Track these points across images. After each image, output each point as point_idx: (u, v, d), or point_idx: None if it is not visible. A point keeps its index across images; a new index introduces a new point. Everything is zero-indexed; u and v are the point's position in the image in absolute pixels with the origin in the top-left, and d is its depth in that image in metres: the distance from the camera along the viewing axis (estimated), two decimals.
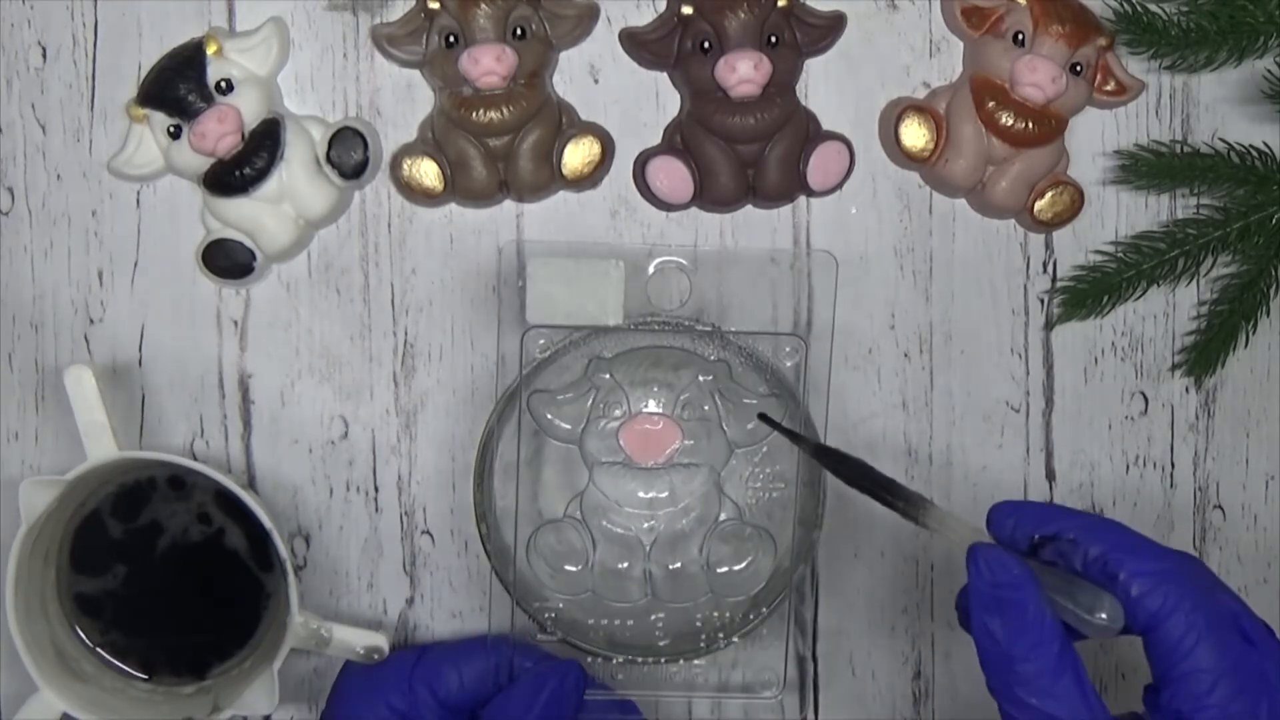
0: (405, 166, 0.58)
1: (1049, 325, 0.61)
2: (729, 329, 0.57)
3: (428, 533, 0.61)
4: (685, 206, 0.59)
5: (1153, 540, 0.49)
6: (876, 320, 0.61)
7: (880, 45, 0.60)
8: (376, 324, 0.60)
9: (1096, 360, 0.62)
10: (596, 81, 0.59)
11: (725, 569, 0.58)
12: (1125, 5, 0.58)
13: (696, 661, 0.58)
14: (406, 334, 0.60)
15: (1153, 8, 0.58)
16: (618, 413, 0.57)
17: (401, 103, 0.59)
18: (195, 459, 0.56)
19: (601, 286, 0.55)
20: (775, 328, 0.59)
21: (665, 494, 0.58)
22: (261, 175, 0.57)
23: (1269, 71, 0.58)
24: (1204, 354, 0.61)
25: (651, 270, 0.57)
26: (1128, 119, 0.61)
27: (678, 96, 0.59)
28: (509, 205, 0.60)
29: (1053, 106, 0.58)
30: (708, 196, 0.59)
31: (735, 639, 0.57)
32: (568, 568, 0.57)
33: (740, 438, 0.57)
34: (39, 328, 0.59)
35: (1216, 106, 0.61)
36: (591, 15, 0.58)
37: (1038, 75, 0.57)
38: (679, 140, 0.59)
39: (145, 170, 0.58)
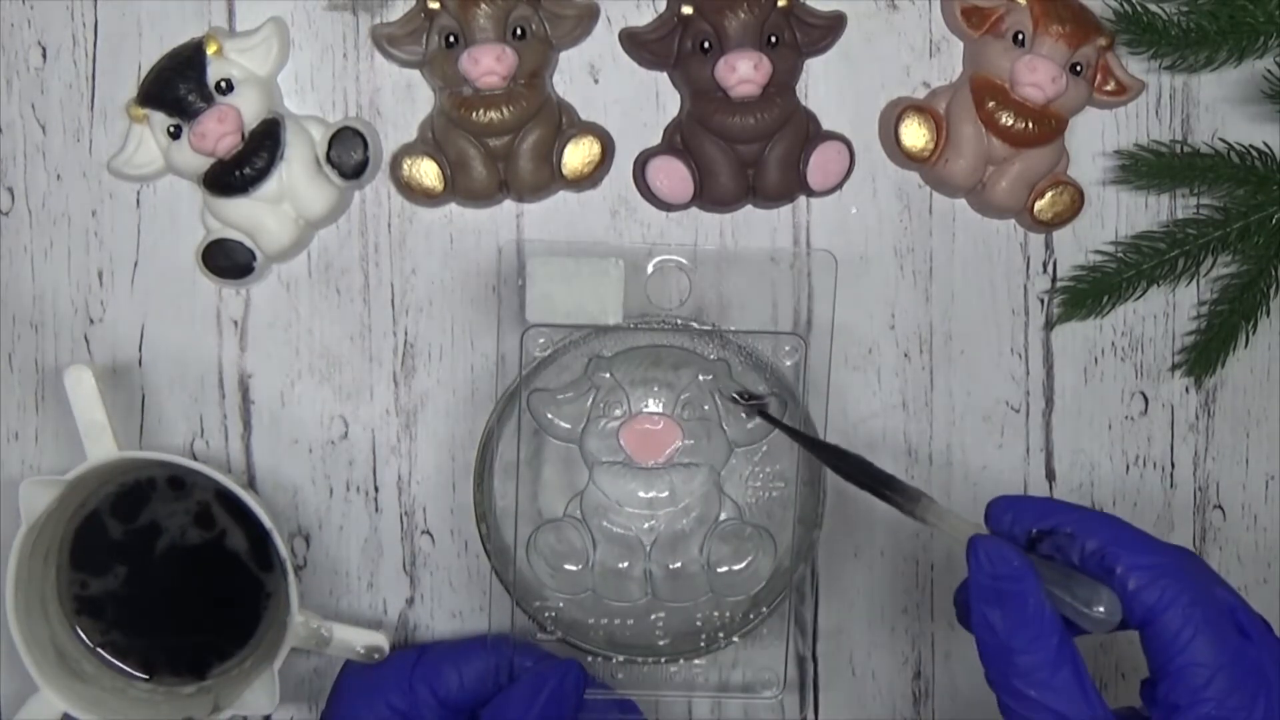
0: (405, 166, 0.58)
1: (1049, 325, 0.61)
2: (728, 328, 0.57)
3: (428, 533, 0.61)
4: (685, 206, 0.59)
5: (1150, 534, 0.49)
6: (876, 320, 0.61)
7: (880, 45, 0.60)
8: (376, 324, 0.60)
9: (1096, 360, 0.62)
10: (596, 81, 0.59)
11: (725, 568, 0.58)
12: (1125, 5, 0.58)
13: (696, 661, 0.58)
14: (406, 334, 0.60)
15: (1153, 8, 0.58)
16: (618, 412, 0.57)
17: (401, 103, 0.59)
18: (195, 459, 0.56)
19: (601, 285, 0.55)
20: (775, 327, 0.59)
21: (665, 493, 0.58)
22: (261, 175, 0.57)
23: (1269, 71, 0.58)
24: (1204, 354, 0.61)
25: (651, 269, 0.57)
26: (1128, 119, 0.61)
27: (678, 96, 0.59)
28: (509, 205, 0.60)
29: (1053, 106, 0.58)
30: (708, 196, 0.59)
31: (735, 639, 0.57)
32: (568, 567, 0.57)
33: (740, 437, 0.57)
34: (39, 328, 0.59)
35: (1216, 106, 0.61)
36: (591, 15, 0.58)
37: (1038, 75, 0.57)
38: (679, 140, 0.59)
39: (145, 170, 0.58)
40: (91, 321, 0.59)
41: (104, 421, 0.55)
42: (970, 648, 0.54)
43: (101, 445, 0.55)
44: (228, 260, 0.58)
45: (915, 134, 0.59)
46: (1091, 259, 0.61)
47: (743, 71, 0.56)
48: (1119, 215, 0.61)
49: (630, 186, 0.60)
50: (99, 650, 0.58)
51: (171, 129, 0.57)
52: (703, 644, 0.57)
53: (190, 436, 0.60)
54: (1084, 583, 0.47)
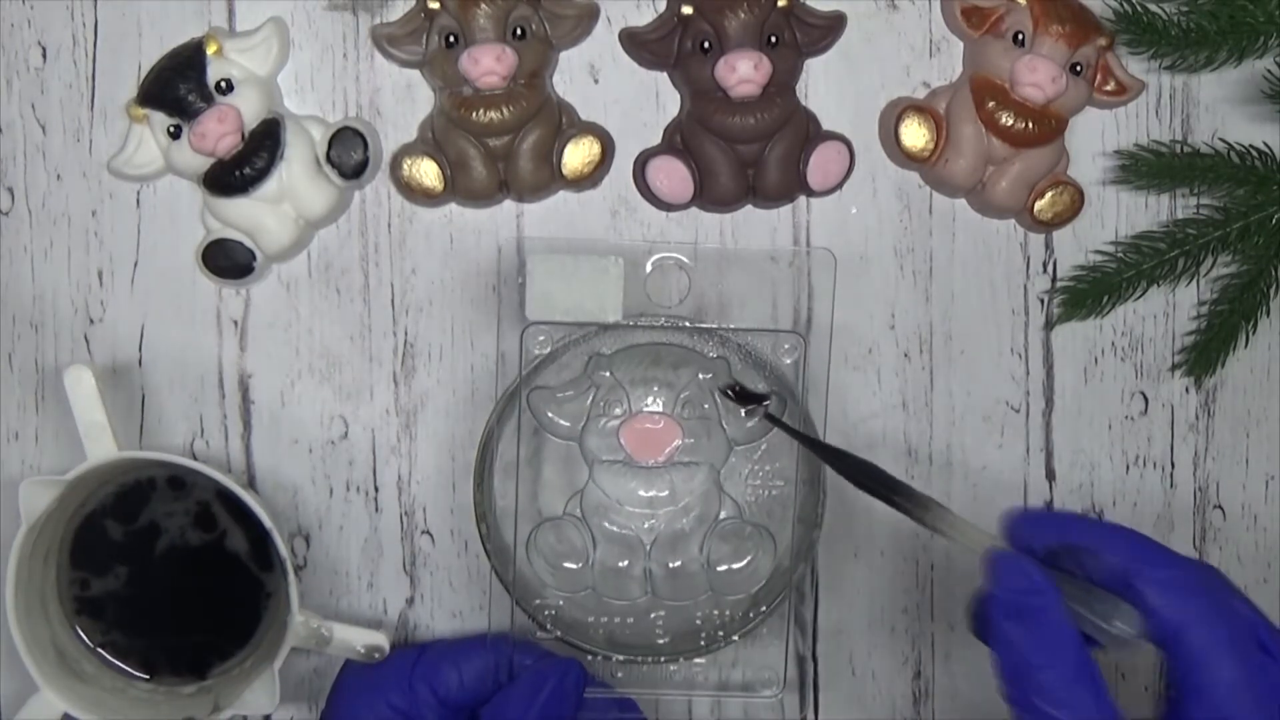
0: (405, 166, 0.58)
1: (1049, 325, 0.61)
2: (727, 326, 0.57)
3: (428, 533, 0.61)
4: (685, 206, 0.59)
5: (1171, 550, 0.49)
6: (876, 320, 0.61)
7: (880, 45, 0.60)
8: (376, 324, 0.60)
9: (1096, 360, 0.62)
10: (596, 81, 0.59)
11: (725, 567, 0.58)
12: (1125, 5, 0.58)
13: (696, 660, 0.58)
14: (406, 334, 0.60)
15: (1153, 8, 0.58)
16: (618, 411, 0.57)
17: (401, 103, 0.59)
18: (195, 459, 0.56)
19: (601, 283, 0.55)
20: (775, 326, 0.59)
21: (665, 492, 0.58)
22: (261, 175, 0.57)
23: (1269, 71, 0.58)
24: (1204, 354, 0.61)
25: (650, 267, 0.57)
26: (1128, 119, 0.61)
27: (678, 96, 0.59)
28: (509, 205, 0.60)
29: (1053, 106, 0.58)
30: (708, 196, 0.59)
31: (735, 638, 0.57)
32: (567, 566, 0.57)
33: (740, 435, 0.57)
34: (39, 328, 0.59)
35: (1216, 106, 0.61)
36: (591, 15, 0.58)
37: (1038, 75, 0.57)
38: (679, 140, 0.59)
39: (145, 170, 0.58)
40: (91, 321, 0.59)
41: (104, 421, 0.55)
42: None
43: (101, 445, 0.55)
44: (228, 260, 0.58)
45: (915, 134, 0.59)
46: (1091, 259, 0.61)
47: (743, 71, 0.57)
48: (1119, 215, 0.61)
49: (630, 186, 0.60)
50: (99, 650, 0.58)
51: (171, 129, 0.57)
52: (702, 643, 0.57)
53: (190, 436, 0.60)
54: (1104, 598, 0.47)
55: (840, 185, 0.60)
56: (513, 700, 0.54)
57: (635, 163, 0.59)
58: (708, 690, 0.60)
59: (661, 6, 0.59)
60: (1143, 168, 0.59)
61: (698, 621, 0.58)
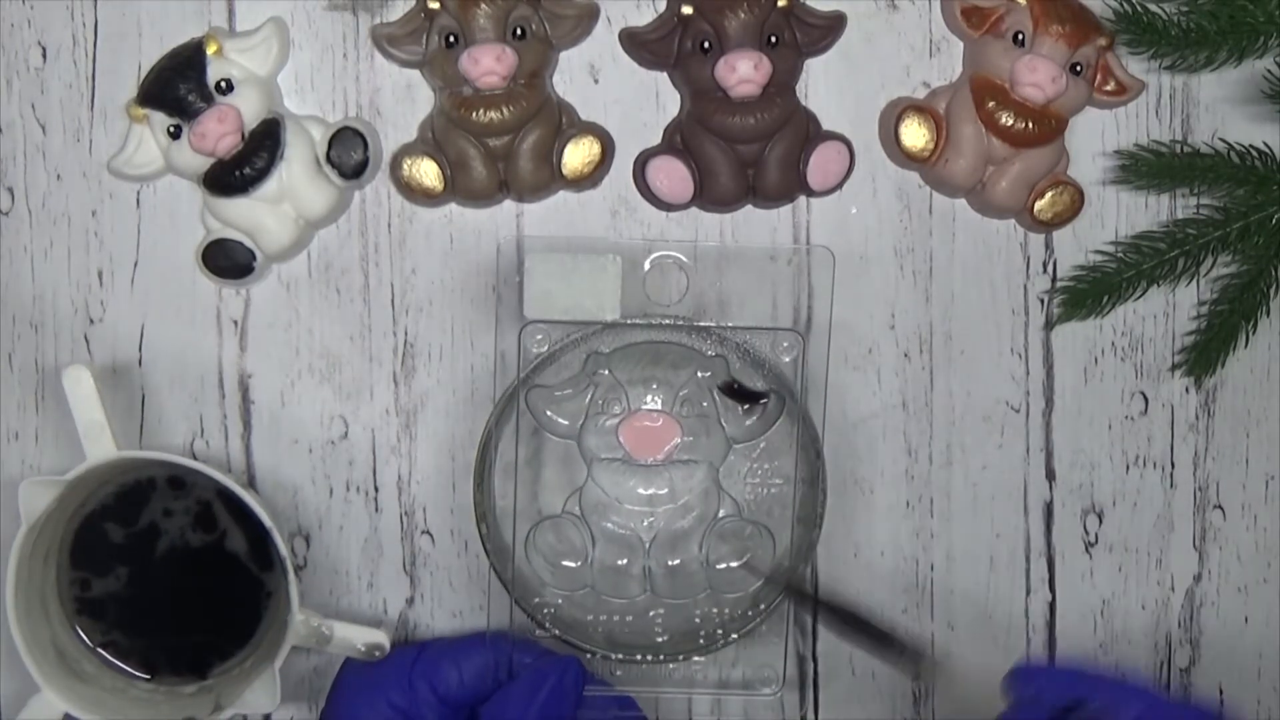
0: (405, 166, 0.58)
1: (1049, 325, 0.61)
2: (726, 324, 0.57)
3: (428, 533, 0.61)
4: (685, 206, 0.59)
5: (1180, 704, 0.49)
6: (876, 320, 0.61)
7: (880, 45, 0.60)
8: (376, 324, 0.60)
9: (1096, 360, 0.62)
10: (596, 81, 0.59)
11: (724, 566, 0.58)
12: (1125, 5, 0.57)
13: (696, 658, 0.58)
14: (406, 334, 0.60)
15: (1153, 8, 0.58)
16: (617, 409, 0.57)
17: (401, 103, 0.59)
18: (195, 459, 0.56)
19: (599, 282, 0.55)
20: (775, 324, 0.59)
21: (665, 491, 0.58)
22: (261, 175, 0.57)
23: (1269, 71, 0.58)
24: (1204, 354, 0.61)
25: (649, 266, 0.57)
26: (1128, 119, 0.61)
27: (678, 96, 0.59)
28: (509, 205, 0.60)
29: (1053, 106, 0.58)
30: (708, 196, 0.59)
31: (735, 636, 0.57)
32: (566, 564, 0.58)
33: (739, 434, 0.57)
34: (39, 328, 0.59)
35: (1216, 106, 0.61)
36: (591, 15, 0.58)
37: (1038, 75, 0.57)
38: (679, 140, 0.59)
39: (145, 170, 0.58)
40: (91, 321, 0.59)
41: (103, 421, 0.55)
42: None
43: (101, 445, 0.55)
44: (228, 260, 0.58)
45: (915, 134, 0.59)
46: (1091, 259, 0.61)
47: (743, 71, 0.56)
48: (1119, 215, 0.61)
49: (630, 186, 0.60)
50: (100, 650, 0.58)
51: (171, 129, 0.57)
52: (702, 641, 0.57)
53: (190, 436, 0.60)
54: None
55: (840, 185, 0.60)
56: (512, 698, 0.54)
57: (635, 163, 0.59)
58: (707, 689, 0.60)
59: (661, 6, 0.59)
60: (1143, 168, 0.59)
61: (697, 620, 0.58)
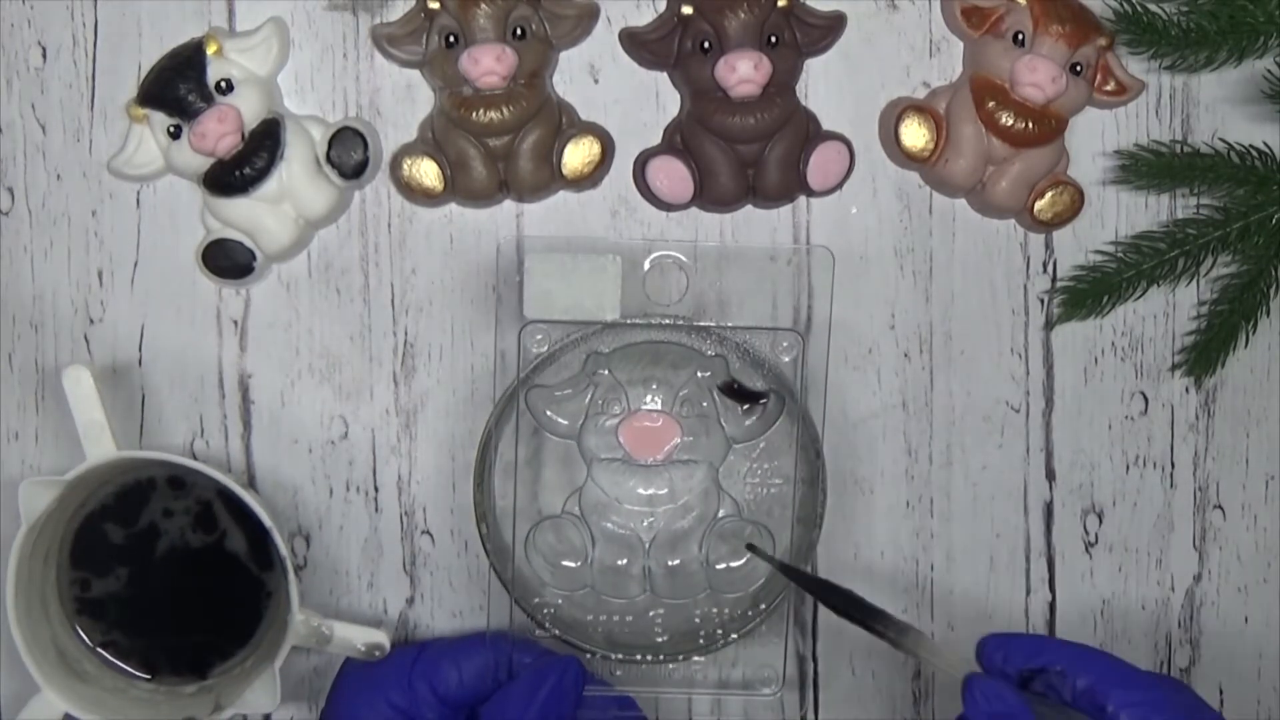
0: (405, 166, 0.58)
1: (1049, 325, 0.61)
2: (725, 324, 0.57)
3: (428, 533, 0.61)
4: (685, 206, 0.60)
5: (1140, 669, 0.50)
6: (876, 320, 0.61)
7: (880, 45, 0.60)
8: (376, 324, 0.60)
9: (1096, 360, 0.62)
10: (596, 81, 0.59)
11: (724, 566, 0.58)
12: (1125, 5, 0.58)
13: (696, 658, 0.58)
14: (406, 334, 0.60)
15: (1153, 8, 0.58)
16: (616, 409, 0.57)
17: (401, 103, 0.59)
18: (195, 459, 0.56)
19: (599, 281, 0.55)
20: (775, 324, 0.59)
21: (665, 491, 0.58)
22: (261, 175, 0.57)
23: (1269, 71, 0.58)
24: (1204, 354, 0.61)
25: (648, 265, 0.57)
26: (1128, 119, 0.61)
27: (678, 96, 0.59)
28: (509, 205, 0.60)
29: (1053, 106, 0.58)
30: (708, 196, 0.59)
31: (734, 636, 0.57)
32: (566, 564, 0.58)
33: (738, 433, 0.57)
34: (39, 328, 0.59)
35: (1216, 106, 0.61)
36: (591, 15, 0.58)
37: (1038, 75, 0.57)
38: (679, 140, 0.59)
39: (145, 170, 0.58)
40: (91, 321, 0.59)
41: (103, 421, 0.55)
42: (971, 649, 0.54)
43: (100, 445, 0.55)
44: (228, 260, 0.58)
45: (915, 134, 0.59)
46: (1091, 259, 0.61)
47: (743, 71, 0.56)
48: (1119, 215, 0.61)
49: (630, 186, 0.60)
50: (100, 650, 0.58)
51: (171, 129, 0.57)
52: (701, 641, 0.57)
53: (190, 436, 0.60)
54: None
55: (840, 185, 0.60)
56: (512, 698, 0.54)
57: (635, 163, 0.59)
58: (707, 689, 0.60)
59: (661, 6, 0.59)
60: (1143, 168, 0.59)
61: (697, 620, 0.58)
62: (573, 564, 0.58)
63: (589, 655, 0.57)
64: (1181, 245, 0.60)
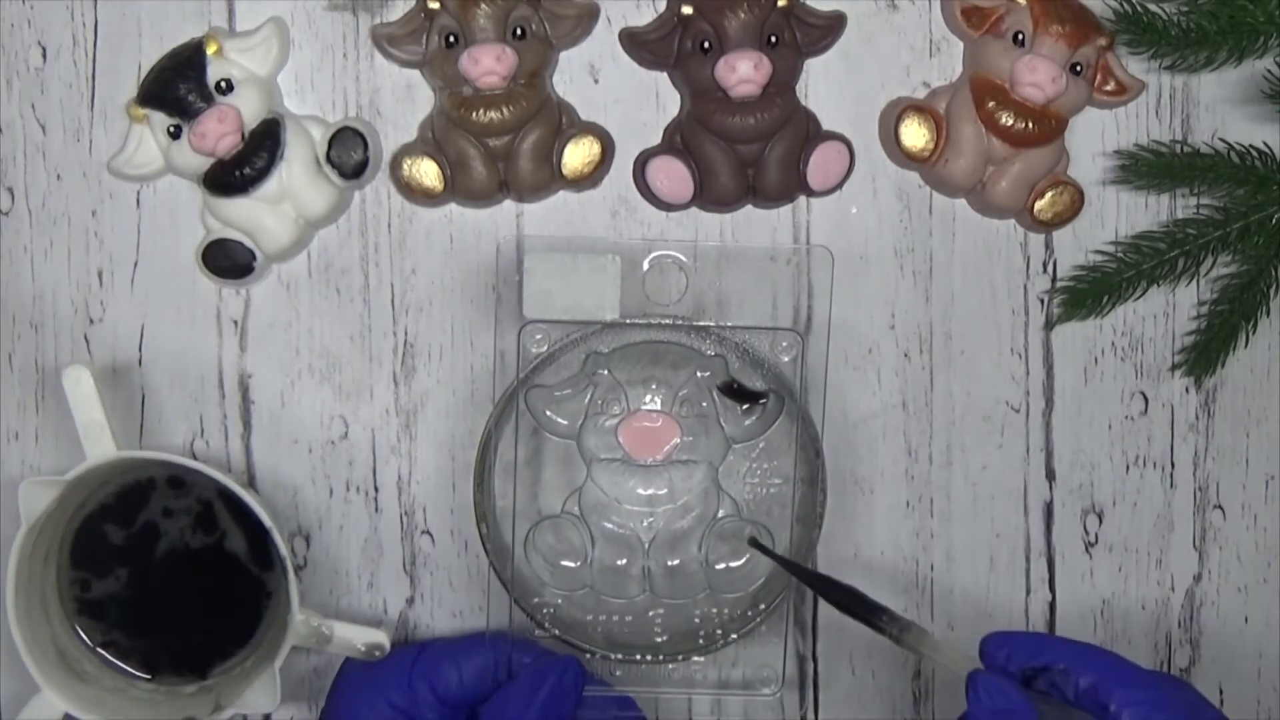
0: (405, 166, 0.58)
1: (1049, 325, 0.61)
2: (725, 324, 0.57)
3: (428, 533, 0.61)
4: (685, 206, 0.60)
5: (1142, 668, 0.51)
6: (876, 320, 0.61)
7: (880, 45, 0.60)
8: (376, 324, 0.60)
9: (1096, 360, 0.62)
10: (596, 81, 0.59)
11: (724, 566, 0.58)
12: (1125, 5, 0.58)
13: (695, 658, 0.58)
14: (406, 334, 0.60)
15: (1153, 8, 0.58)
16: (616, 409, 0.57)
17: (401, 103, 0.59)
18: (195, 459, 0.56)
19: (598, 281, 0.55)
20: (774, 324, 0.59)
21: (664, 491, 0.58)
22: (261, 175, 0.57)
23: (1269, 71, 0.58)
24: (1204, 354, 0.61)
25: (648, 265, 0.57)
26: (1128, 119, 0.61)
27: (678, 96, 0.59)
28: (509, 205, 0.60)
29: (1053, 106, 0.58)
30: (708, 196, 0.59)
31: (734, 636, 0.57)
32: (566, 564, 0.58)
33: (738, 434, 0.57)
34: (39, 328, 0.59)
35: (1216, 106, 0.61)
36: (591, 15, 0.58)
37: (1038, 75, 0.57)
38: (679, 140, 0.59)
39: (145, 170, 0.58)
40: (91, 321, 0.59)
41: (103, 421, 0.55)
42: (971, 649, 0.54)
43: (100, 445, 0.55)
44: (228, 260, 0.58)
45: (915, 134, 0.59)
46: (1091, 259, 0.61)
47: (743, 71, 0.56)
48: (1119, 215, 0.61)
49: (630, 186, 0.60)
50: (100, 650, 0.58)
51: (171, 129, 0.57)
52: (701, 642, 0.57)
53: (190, 436, 0.60)
54: (1079, 719, 0.49)
55: (840, 185, 0.60)
56: (512, 698, 0.54)
57: (635, 163, 0.59)
58: (707, 689, 0.60)
59: (661, 6, 0.59)
60: (1143, 168, 0.59)
61: (696, 620, 0.58)
62: (572, 564, 0.58)
63: (589, 655, 0.57)
64: (1181, 245, 0.60)
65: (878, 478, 0.61)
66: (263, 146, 0.57)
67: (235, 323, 0.60)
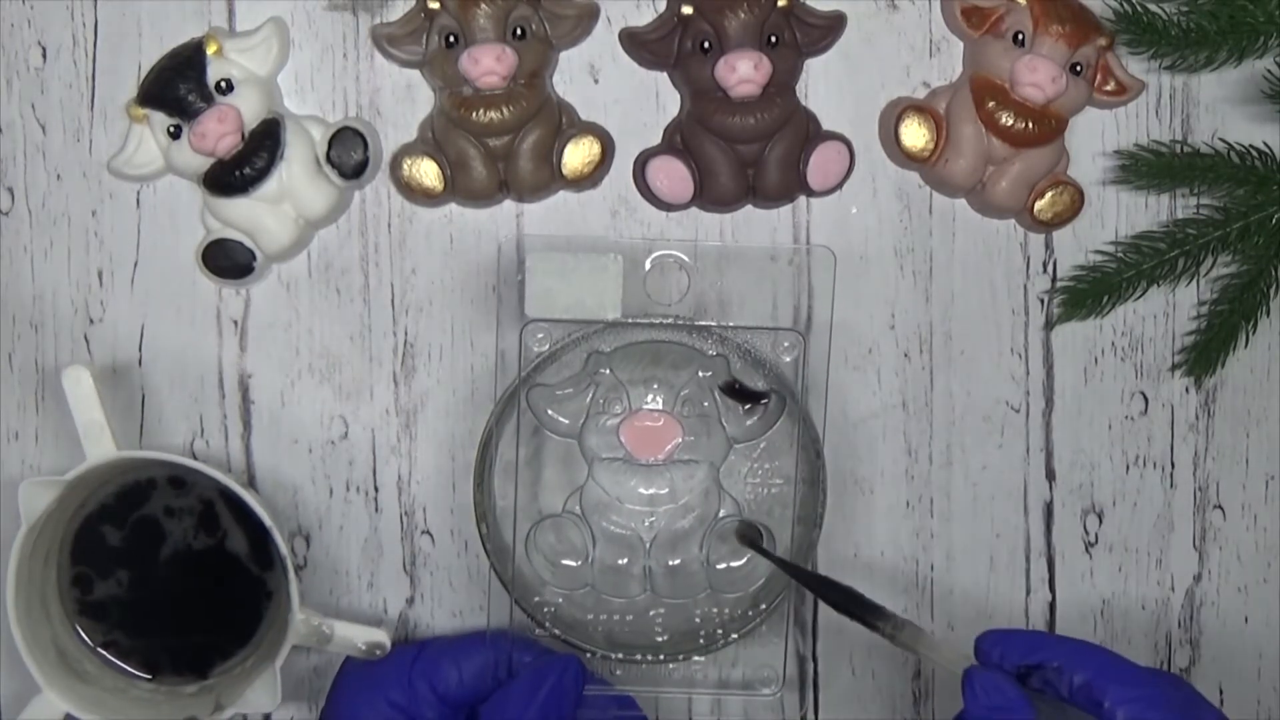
0: (405, 166, 0.58)
1: (1049, 325, 0.61)
2: (726, 324, 0.57)
3: (428, 533, 0.61)
4: (685, 206, 0.60)
5: (1137, 665, 0.51)
6: (876, 320, 0.61)
7: (880, 45, 0.60)
8: (376, 324, 0.60)
9: (1096, 360, 0.62)
10: (596, 81, 0.59)
11: (724, 565, 0.58)
12: (1125, 5, 0.58)
13: (696, 658, 0.58)
14: (406, 334, 0.60)
15: (1153, 8, 0.58)
16: (617, 409, 0.57)
17: (401, 103, 0.59)
18: (195, 459, 0.56)
19: (600, 281, 0.55)
20: (775, 324, 0.59)
21: (665, 490, 0.58)
22: (261, 175, 0.57)
23: (1269, 71, 0.58)
24: (1204, 354, 0.61)
25: (649, 265, 0.57)
26: (1128, 119, 0.61)
27: (678, 96, 0.60)
28: (509, 205, 0.60)
29: (1053, 106, 0.58)
30: (708, 196, 0.59)
31: (735, 636, 0.57)
32: (566, 563, 0.58)
33: (739, 433, 0.57)
34: (39, 328, 0.59)
35: (1216, 106, 0.61)
36: (591, 15, 0.58)
37: (1038, 75, 0.57)
38: (679, 140, 0.59)
39: (145, 170, 0.58)
40: (91, 321, 0.59)
41: (103, 421, 0.55)
42: (970, 648, 0.54)
43: (100, 445, 0.55)
44: (228, 260, 0.58)
45: (915, 134, 0.59)
46: (1091, 259, 0.61)
47: (743, 71, 0.57)
48: (1119, 215, 0.61)
49: (630, 186, 0.60)
50: (101, 650, 0.58)
51: (171, 129, 0.57)
52: (702, 641, 0.57)
53: (190, 436, 0.60)
54: (1074, 716, 0.49)
55: (840, 185, 0.60)
56: (512, 697, 0.54)
57: (635, 163, 0.59)
58: (707, 689, 0.60)
59: (661, 6, 0.59)
60: (1143, 168, 0.59)
61: (697, 620, 0.58)
62: (573, 563, 0.58)
63: (589, 655, 0.57)
64: (1181, 245, 0.60)
65: (878, 478, 0.61)
66: (263, 146, 0.57)
67: (235, 323, 0.60)
